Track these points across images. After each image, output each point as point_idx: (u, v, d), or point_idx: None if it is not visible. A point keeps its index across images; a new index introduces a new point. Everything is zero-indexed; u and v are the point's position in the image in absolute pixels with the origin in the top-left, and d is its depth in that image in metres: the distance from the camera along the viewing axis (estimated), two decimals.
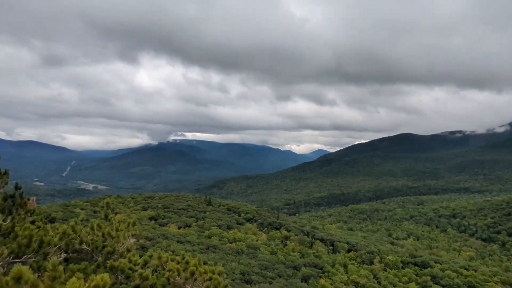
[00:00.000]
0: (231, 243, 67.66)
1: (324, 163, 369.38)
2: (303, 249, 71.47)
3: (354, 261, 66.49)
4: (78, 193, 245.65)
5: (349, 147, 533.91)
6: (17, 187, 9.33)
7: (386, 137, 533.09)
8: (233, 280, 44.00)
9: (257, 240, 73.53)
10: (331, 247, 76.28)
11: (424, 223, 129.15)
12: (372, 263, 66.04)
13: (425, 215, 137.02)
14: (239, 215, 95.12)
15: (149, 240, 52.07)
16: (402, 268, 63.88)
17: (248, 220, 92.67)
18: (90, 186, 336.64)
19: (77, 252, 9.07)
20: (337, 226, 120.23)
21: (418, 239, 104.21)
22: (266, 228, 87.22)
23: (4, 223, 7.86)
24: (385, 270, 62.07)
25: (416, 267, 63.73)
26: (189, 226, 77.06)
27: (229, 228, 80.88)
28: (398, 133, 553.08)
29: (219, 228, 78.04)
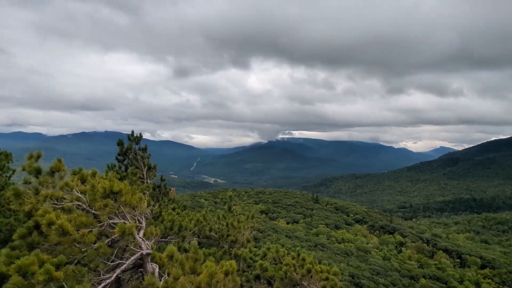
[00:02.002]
0: (339, 243, 65.87)
1: (448, 162, 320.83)
2: (422, 259, 64.09)
3: (490, 280, 56.05)
4: (202, 186, 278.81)
5: (482, 144, 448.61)
6: (162, 179, 11.24)
7: None
8: (341, 281, 42.85)
9: (367, 243, 69.57)
10: (458, 260, 66.17)
11: None
12: None
13: None
14: (348, 215, 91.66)
15: (261, 232, 55.16)
16: None
17: (358, 221, 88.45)
18: (211, 180, 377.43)
19: (207, 238, 10.32)
20: (466, 237, 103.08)
21: None
22: (377, 231, 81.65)
23: (154, 208, 9.51)
24: None
25: None
26: (297, 222, 78.36)
27: (337, 227, 78.89)
28: None
29: (327, 226, 76.90)
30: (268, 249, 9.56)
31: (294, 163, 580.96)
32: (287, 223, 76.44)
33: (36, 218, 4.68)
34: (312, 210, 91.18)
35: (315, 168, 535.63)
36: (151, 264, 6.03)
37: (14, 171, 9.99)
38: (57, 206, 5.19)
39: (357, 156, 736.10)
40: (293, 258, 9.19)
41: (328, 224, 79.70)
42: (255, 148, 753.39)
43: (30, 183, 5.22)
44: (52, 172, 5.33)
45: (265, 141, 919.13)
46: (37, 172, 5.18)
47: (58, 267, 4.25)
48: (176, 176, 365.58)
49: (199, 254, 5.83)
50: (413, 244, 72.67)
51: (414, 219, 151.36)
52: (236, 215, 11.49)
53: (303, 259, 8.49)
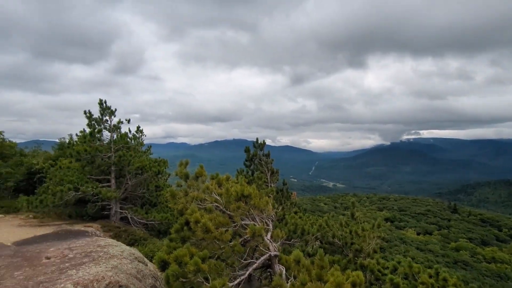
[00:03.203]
0: (489, 263, 54.95)
1: None
2: None
3: None
4: (321, 189, 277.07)
5: None
6: (284, 183, 11.70)
7: None
8: None
9: None
10: None
11: None
12: None
13: None
14: (500, 230, 75.74)
15: (386, 242, 50.96)
16: None
17: None
18: (330, 184, 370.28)
19: (330, 244, 10.16)
20: None
21: None
22: None
23: (278, 211, 9.96)
24: None
25: None
26: (430, 234, 69.32)
27: (484, 243, 66.14)
28: None
29: (470, 241, 65.32)
30: (399, 262, 8.72)
31: (423, 167, 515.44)
32: (418, 234, 68.27)
33: (186, 216, 5.55)
34: (449, 221, 78.89)
35: (451, 172, 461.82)
36: (278, 265, 6.33)
37: (169, 175, 13.02)
38: (201, 206, 6.05)
39: (509, 158, 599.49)
40: (430, 277, 8.13)
41: (471, 238, 67.45)
42: (377, 151, 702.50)
43: (181, 186, 6.28)
44: (196, 177, 6.27)
45: (388, 143, 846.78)
46: (186, 177, 6.19)
47: (203, 260, 4.93)
48: (296, 180, 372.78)
49: (325, 262, 5.79)
50: None
51: None
52: (360, 223, 10.95)
53: (445, 280, 7.40)
